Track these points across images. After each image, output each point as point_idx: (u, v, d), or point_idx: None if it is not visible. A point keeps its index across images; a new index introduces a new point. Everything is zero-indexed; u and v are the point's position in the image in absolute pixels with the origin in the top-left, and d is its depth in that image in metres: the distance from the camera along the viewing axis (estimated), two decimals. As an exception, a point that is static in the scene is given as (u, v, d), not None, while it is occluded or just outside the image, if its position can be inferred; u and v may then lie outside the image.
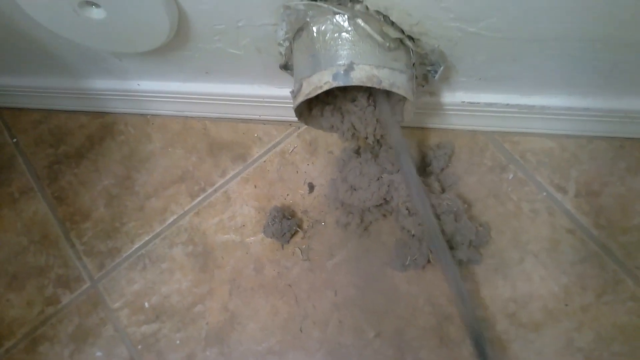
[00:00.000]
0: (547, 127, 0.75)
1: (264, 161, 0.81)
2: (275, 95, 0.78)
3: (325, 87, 0.58)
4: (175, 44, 0.68)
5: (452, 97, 0.73)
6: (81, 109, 0.89)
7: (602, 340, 0.66)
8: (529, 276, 0.70)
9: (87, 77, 0.83)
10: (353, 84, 0.57)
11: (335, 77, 0.58)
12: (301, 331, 0.71)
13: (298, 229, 0.76)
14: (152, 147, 0.86)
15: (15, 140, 0.90)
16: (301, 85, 0.61)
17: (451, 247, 0.70)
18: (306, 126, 0.82)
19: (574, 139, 0.75)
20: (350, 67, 0.57)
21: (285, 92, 0.77)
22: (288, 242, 0.75)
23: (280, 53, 0.66)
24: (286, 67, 0.68)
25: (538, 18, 0.55)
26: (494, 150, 0.76)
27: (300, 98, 0.61)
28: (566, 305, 0.68)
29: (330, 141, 0.81)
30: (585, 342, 0.66)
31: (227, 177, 0.82)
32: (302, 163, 0.80)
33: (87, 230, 0.82)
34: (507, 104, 0.71)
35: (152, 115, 0.88)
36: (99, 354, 0.75)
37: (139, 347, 0.74)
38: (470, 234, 0.70)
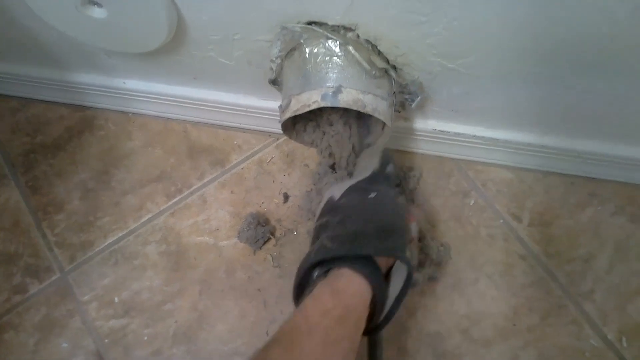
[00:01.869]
0: (508, 160, 0.82)
1: (242, 168, 0.85)
2: (258, 107, 0.81)
3: (314, 106, 0.62)
4: (169, 48, 0.71)
5: (424, 124, 0.78)
6: (62, 100, 0.90)
7: (544, 359, 0.72)
8: (482, 295, 0.75)
9: (72, 70, 0.84)
10: (340, 106, 0.62)
11: (323, 97, 0.62)
12: (267, 334, 0.74)
13: (271, 236, 0.79)
14: (132, 145, 0.87)
15: (-10, 126, 0.90)
16: (290, 102, 0.65)
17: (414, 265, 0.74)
18: (285, 138, 0.86)
19: (531, 173, 0.82)
20: (338, 90, 0.62)
21: (268, 104, 0.81)
22: (260, 248, 0.79)
23: (271, 68, 0.69)
24: (275, 82, 0.72)
25: (506, 58, 0.60)
26: (458, 177, 0.82)
27: (288, 114, 0.65)
28: (514, 324, 0.73)
29: (306, 154, 0.84)
30: (528, 360, 0.72)
31: (205, 180, 0.84)
32: (279, 173, 0.83)
33: (60, 221, 0.82)
34: (474, 135, 0.77)
35: (134, 113, 0.89)
36: (64, 345, 0.75)
37: (106, 340, 0.75)
38: (432, 252, 0.75)
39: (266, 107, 0.81)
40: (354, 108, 0.62)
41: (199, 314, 0.76)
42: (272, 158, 0.85)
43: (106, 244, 0.81)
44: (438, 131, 0.78)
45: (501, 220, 0.79)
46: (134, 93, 0.84)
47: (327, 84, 0.62)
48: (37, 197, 0.84)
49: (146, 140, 0.87)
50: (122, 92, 0.84)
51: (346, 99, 0.62)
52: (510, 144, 0.77)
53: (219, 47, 0.70)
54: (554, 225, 0.79)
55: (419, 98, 0.70)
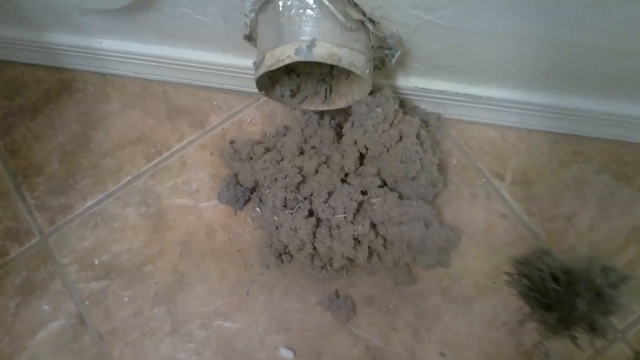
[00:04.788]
0: (491, 118, 0.80)
1: (222, 129, 0.83)
2: (237, 65, 0.80)
3: (287, 61, 0.60)
4: (141, 4, 0.69)
5: (406, 81, 0.77)
6: (40, 62, 0.88)
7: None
8: (463, 254, 0.75)
9: (48, 31, 0.82)
10: (314, 60, 0.60)
11: (297, 51, 0.60)
12: (248, 295, 0.74)
13: (251, 195, 0.78)
14: (110, 107, 0.86)
15: (-33, 89, 0.89)
16: (264, 57, 0.63)
17: (420, 252, 0.72)
18: (265, 99, 0.84)
19: (514, 131, 0.81)
20: (312, 44, 0.60)
21: (247, 62, 0.79)
22: (242, 209, 0.78)
23: (246, 24, 0.68)
24: (250, 38, 0.70)
25: (489, 12, 0.59)
26: (440, 134, 0.81)
27: (262, 69, 0.63)
28: (494, 283, 0.73)
29: (287, 115, 0.83)
30: (509, 318, 0.72)
31: (184, 142, 0.83)
32: (260, 134, 0.82)
33: (39, 184, 0.82)
34: (457, 92, 0.76)
35: (112, 75, 0.88)
36: (45, 307, 0.75)
37: (87, 302, 0.75)
38: (440, 239, 0.71)
39: (245, 65, 0.79)
40: (329, 62, 0.60)
41: (179, 276, 0.76)
42: (253, 119, 0.84)
43: (86, 206, 0.80)
44: (420, 89, 0.77)
45: (483, 179, 0.79)
46: (110, 53, 0.82)
47: (301, 38, 0.61)
48: (16, 160, 0.83)
49: (125, 102, 0.86)
50: (99, 52, 0.83)
51: (320, 53, 0.60)
52: (493, 101, 0.76)
53: (193, 3, 0.68)
54: (536, 183, 0.78)
55: (398, 53, 0.68)
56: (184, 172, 0.81)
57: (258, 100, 0.85)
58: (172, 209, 0.79)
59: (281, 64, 0.61)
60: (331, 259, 0.72)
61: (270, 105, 0.84)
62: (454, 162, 0.79)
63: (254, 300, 0.74)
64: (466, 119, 0.81)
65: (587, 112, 0.75)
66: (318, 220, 0.70)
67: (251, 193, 0.78)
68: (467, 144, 0.80)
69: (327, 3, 0.60)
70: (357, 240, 0.70)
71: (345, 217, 0.69)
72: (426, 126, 0.79)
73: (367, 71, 0.64)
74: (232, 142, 0.81)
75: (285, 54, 0.61)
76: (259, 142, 0.79)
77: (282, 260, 0.74)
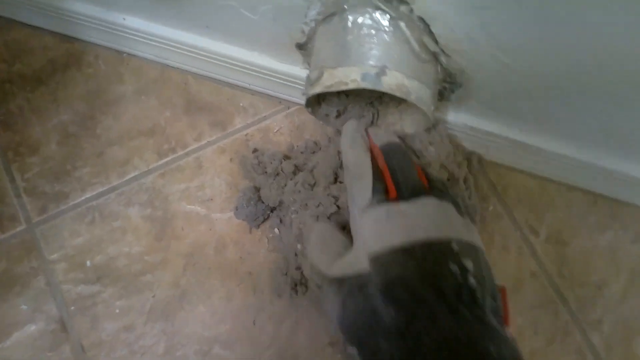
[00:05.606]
0: (534, 168, 0.76)
1: (245, 134, 0.76)
2: (273, 69, 0.72)
3: (352, 86, 0.54)
4: (186, -11, 0.61)
5: (455, 117, 0.71)
6: (49, 27, 0.78)
7: (542, 384, 0.68)
8: (487, 309, 0.70)
9: (66, -5, 0.73)
10: (382, 90, 0.54)
11: (364, 77, 0.54)
12: (254, 324, 0.68)
13: (271, 213, 0.71)
14: (123, 89, 0.77)
15: (-41, 42, 0.78)
16: (322, 75, 0.57)
17: None
18: (296, 108, 0.77)
19: (555, 184, 0.77)
20: (382, 71, 0.54)
21: (285, 67, 0.72)
22: (258, 227, 0.71)
23: (303, 31, 0.61)
24: (303, 47, 0.63)
25: (574, 67, 0.54)
26: (480, 178, 0.76)
27: (319, 88, 0.56)
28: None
29: (318, 130, 0.76)
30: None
31: (202, 142, 0.75)
32: (286, 146, 0.75)
33: (32, 165, 0.72)
34: (507, 137, 0.71)
35: (128, 54, 0.79)
36: (23, 306, 0.67)
37: (72, 308, 0.67)
38: None
39: (282, 70, 0.72)
40: (396, 94, 0.54)
41: (181, 292, 0.69)
42: (280, 128, 0.76)
43: (83, 198, 0.72)
44: (469, 127, 0.71)
45: (518, 232, 0.74)
46: (133, 32, 0.74)
47: (370, 62, 0.54)
48: (9, 134, 0.74)
49: (140, 87, 0.77)
50: (119, 28, 0.74)
51: (390, 83, 0.54)
52: (543, 152, 0.71)
53: (244, -3, 0.60)
54: (571, 244, 0.74)
55: (460, 89, 0.63)
56: (198, 175, 0.74)
57: (288, 108, 0.77)
58: (180, 215, 0.72)
59: (343, 88, 0.54)
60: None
61: (300, 116, 0.77)
62: (489, 209, 0.75)
63: (260, 331, 0.68)
64: (507, 164, 0.77)
65: (632, 178, 0.72)
66: (346, 257, 0.64)
67: (271, 211, 0.71)
68: (505, 191, 0.76)
69: (404, 28, 0.54)
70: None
71: None
72: (468, 166, 0.73)
73: (432, 107, 0.58)
74: (255, 150, 0.74)
75: (350, 77, 0.54)
76: (287, 157, 0.72)
77: (296, 292, 0.68)
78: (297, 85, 0.73)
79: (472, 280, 0.41)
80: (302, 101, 0.76)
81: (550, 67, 0.55)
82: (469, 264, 0.42)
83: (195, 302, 0.68)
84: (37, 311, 0.67)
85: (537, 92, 0.61)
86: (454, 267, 0.41)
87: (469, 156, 0.75)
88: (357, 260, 0.45)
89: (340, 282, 0.45)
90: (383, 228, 0.45)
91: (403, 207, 0.46)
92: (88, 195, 0.72)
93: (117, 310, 0.68)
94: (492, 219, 0.74)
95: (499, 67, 0.58)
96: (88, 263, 0.69)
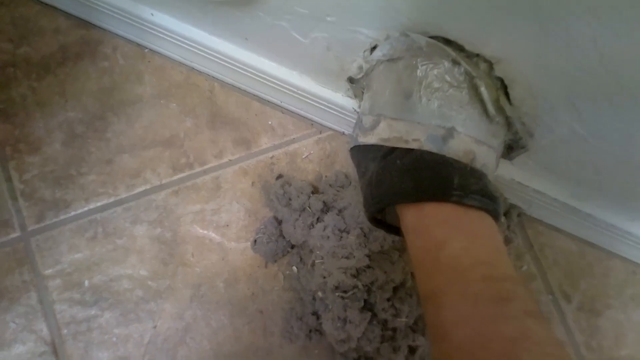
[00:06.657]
0: (576, 231, 0.71)
1: (271, 157, 0.69)
2: (311, 91, 0.65)
3: (413, 145, 0.47)
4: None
5: (505, 171, 0.65)
6: (63, 7, 0.69)
7: None
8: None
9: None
10: (446, 155, 0.47)
11: (429, 139, 0.47)
12: (262, 370, 0.63)
13: (290, 250, 0.66)
14: (141, 90, 0.69)
15: (-39, 12, 0.69)
16: (378, 123, 0.50)
17: None
18: (329, 133, 0.71)
19: (594, 249, 0.71)
20: (449, 134, 0.47)
21: (325, 92, 0.65)
22: (275, 262, 0.65)
23: (360, 67, 0.54)
24: (355, 81, 0.56)
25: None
26: (517, 234, 0.71)
27: (373, 139, 0.50)
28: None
29: (350, 161, 0.70)
30: None
31: (223, 160, 0.68)
32: (313, 175, 0.69)
33: (32, 165, 0.65)
34: (555, 199, 0.65)
35: (151, 50, 0.71)
36: (12, 324, 0.61)
37: (65, 331, 0.61)
38: None
39: (320, 94, 0.65)
40: (462, 159, 0.48)
41: (185, 325, 0.63)
42: (309, 154, 0.70)
43: (86, 209, 0.65)
44: (517, 182, 0.65)
45: (550, 296, 0.69)
46: (160, 29, 0.66)
47: (436, 122, 0.47)
48: (8, 126, 0.66)
49: (160, 89, 0.70)
50: (144, 23, 0.66)
51: (456, 148, 0.47)
52: (591, 218, 0.66)
53: (299, 21, 0.53)
54: (603, 315, 0.70)
55: (523, 152, 0.57)
56: (215, 198, 0.67)
57: (320, 133, 0.70)
58: (192, 239, 0.65)
59: (402, 145, 0.48)
60: (371, 359, 0.61)
61: (332, 143, 0.70)
62: (523, 268, 0.70)
63: (268, 379, 0.63)
64: (548, 222, 0.71)
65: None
66: (373, 316, 0.59)
67: (292, 247, 0.65)
68: (541, 251, 0.70)
69: (481, 88, 0.47)
70: (412, 350, 0.59)
71: (406, 321, 0.58)
72: (507, 219, 0.68)
73: (495, 173, 0.52)
74: (280, 176, 0.67)
75: (412, 136, 0.48)
76: (315, 190, 0.66)
77: (310, 339, 0.63)
78: (334, 112, 0.66)
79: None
80: (337, 127, 0.70)
81: (634, 156, 0.49)
82: None
83: (199, 338, 0.63)
84: (26, 330, 0.61)
85: (606, 167, 0.55)
86: None
87: (509, 209, 0.69)
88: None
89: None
90: None
91: None
92: (92, 206, 0.65)
93: (114, 339, 0.62)
94: (525, 279, 0.69)
95: (572, 136, 0.52)
96: (86, 283, 0.63)
